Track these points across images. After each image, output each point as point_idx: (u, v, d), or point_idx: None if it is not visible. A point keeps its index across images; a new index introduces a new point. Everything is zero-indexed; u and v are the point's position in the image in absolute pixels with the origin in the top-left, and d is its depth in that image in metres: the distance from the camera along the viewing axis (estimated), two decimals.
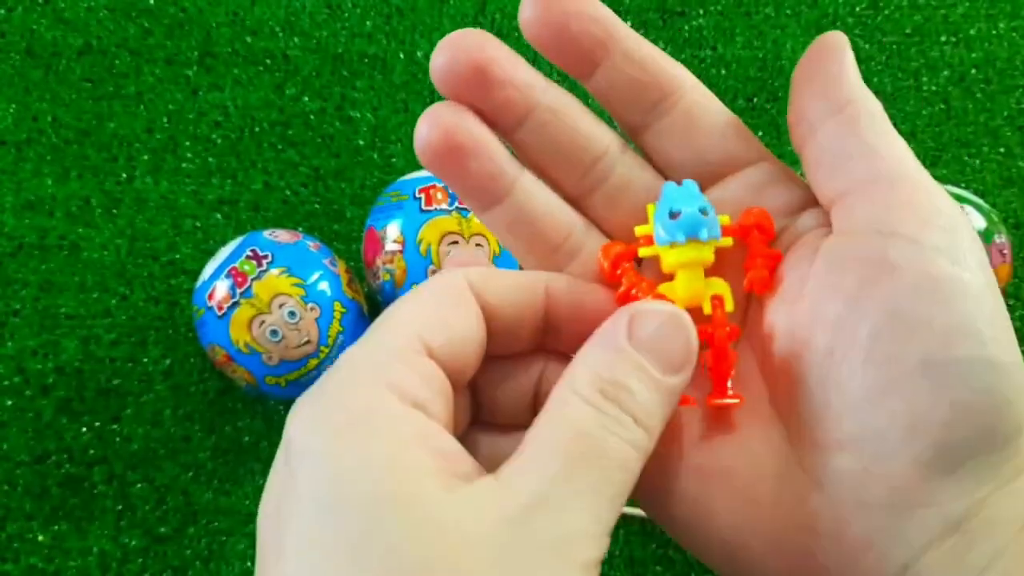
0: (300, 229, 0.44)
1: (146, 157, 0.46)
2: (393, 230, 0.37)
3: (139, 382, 0.41)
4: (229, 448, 0.40)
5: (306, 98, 0.47)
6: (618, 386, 0.16)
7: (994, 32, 0.49)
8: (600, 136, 0.21)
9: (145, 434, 0.40)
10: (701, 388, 0.18)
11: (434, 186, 0.37)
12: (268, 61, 0.48)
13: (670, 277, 0.18)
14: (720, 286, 0.18)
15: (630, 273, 0.18)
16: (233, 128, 0.46)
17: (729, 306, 0.18)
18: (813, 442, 0.16)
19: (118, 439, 0.40)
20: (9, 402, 0.41)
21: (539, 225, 0.19)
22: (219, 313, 0.35)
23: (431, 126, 0.19)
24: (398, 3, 0.49)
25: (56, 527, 0.39)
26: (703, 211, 0.18)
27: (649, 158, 0.20)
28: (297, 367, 0.36)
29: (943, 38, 0.49)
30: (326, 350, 0.36)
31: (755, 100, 0.47)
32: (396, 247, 0.36)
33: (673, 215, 0.18)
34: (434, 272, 0.36)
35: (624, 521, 0.39)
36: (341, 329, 0.36)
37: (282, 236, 0.37)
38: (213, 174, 0.45)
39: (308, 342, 0.35)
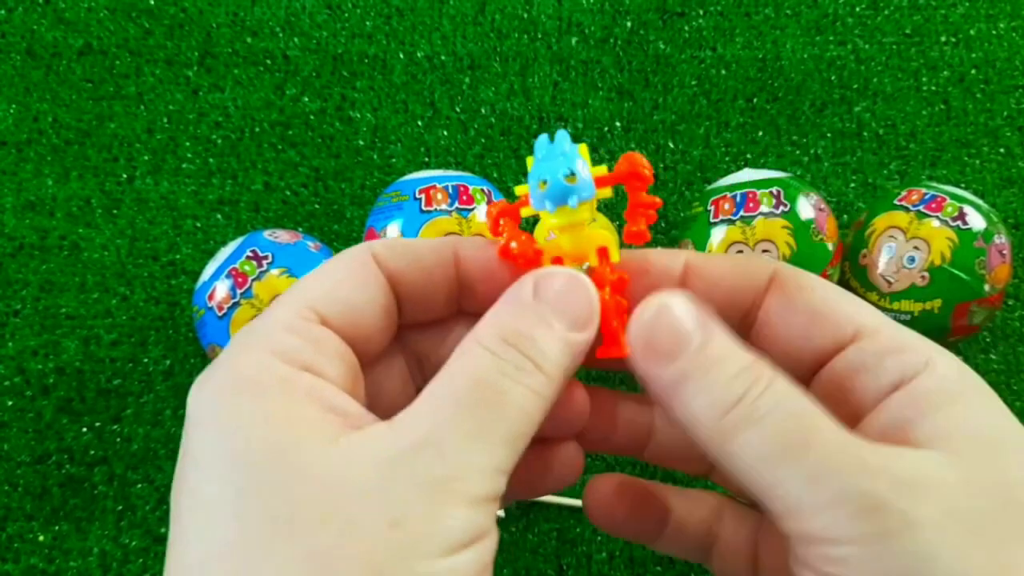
0: (300, 229, 0.44)
1: (146, 157, 0.46)
2: (393, 230, 0.37)
3: (140, 382, 0.41)
4: None
5: (306, 98, 0.47)
6: (520, 335, 0.16)
7: (994, 32, 0.49)
8: None
9: (146, 434, 0.40)
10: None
11: (434, 186, 0.37)
12: (268, 61, 0.48)
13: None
14: (604, 238, 0.18)
15: (509, 227, 0.18)
16: (233, 128, 0.46)
17: (615, 257, 0.18)
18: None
19: (119, 439, 0.40)
20: (10, 402, 0.41)
21: None
22: (219, 314, 0.35)
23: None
24: (398, 3, 0.49)
25: (57, 527, 0.39)
26: (572, 174, 0.17)
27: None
28: None
29: (943, 38, 0.49)
30: None
31: (755, 100, 0.47)
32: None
33: (541, 185, 0.18)
34: None
35: None
36: None
37: (282, 236, 0.37)
38: (213, 174, 0.45)
39: None
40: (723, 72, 0.48)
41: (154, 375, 0.41)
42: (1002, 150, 0.46)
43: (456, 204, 0.37)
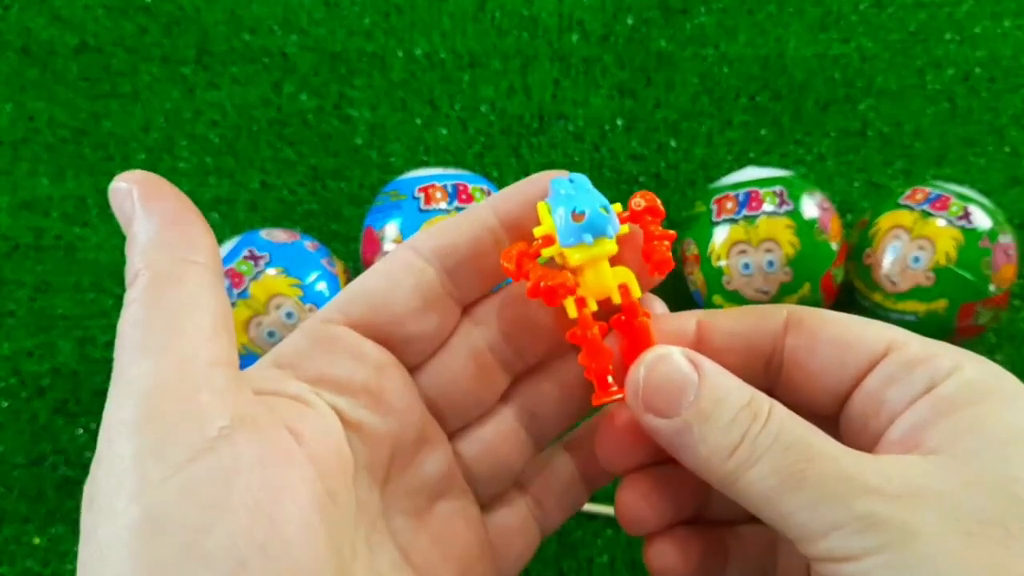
0: (298, 229, 0.44)
1: (143, 156, 0.45)
2: (392, 230, 0.36)
3: None
4: None
5: (304, 96, 0.47)
6: None
7: (999, 30, 0.49)
8: None
9: None
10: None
11: (433, 185, 0.37)
12: (265, 59, 0.47)
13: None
14: (625, 274, 0.19)
15: (536, 268, 0.18)
16: (230, 127, 0.46)
17: (636, 293, 0.19)
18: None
19: None
20: (4, 404, 0.41)
21: None
22: None
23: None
24: (397, 0, 0.49)
25: (52, 530, 0.39)
26: (604, 208, 0.18)
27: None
28: None
29: (948, 36, 0.49)
30: None
31: (758, 98, 0.47)
32: (395, 247, 0.36)
33: (577, 216, 0.18)
34: None
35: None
36: None
37: (279, 236, 0.37)
38: (210, 173, 0.45)
39: None
40: (726, 70, 0.48)
41: None
42: (1008, 149, 0.46)
43: (455, 203, 0.36)
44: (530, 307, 0.20)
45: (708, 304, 0.38)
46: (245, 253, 0.35)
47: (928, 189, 0.38)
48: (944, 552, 0.14)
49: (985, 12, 0.49)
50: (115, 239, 0.44)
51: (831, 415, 0.18)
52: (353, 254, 0.43)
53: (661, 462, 0.20)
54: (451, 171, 0.38)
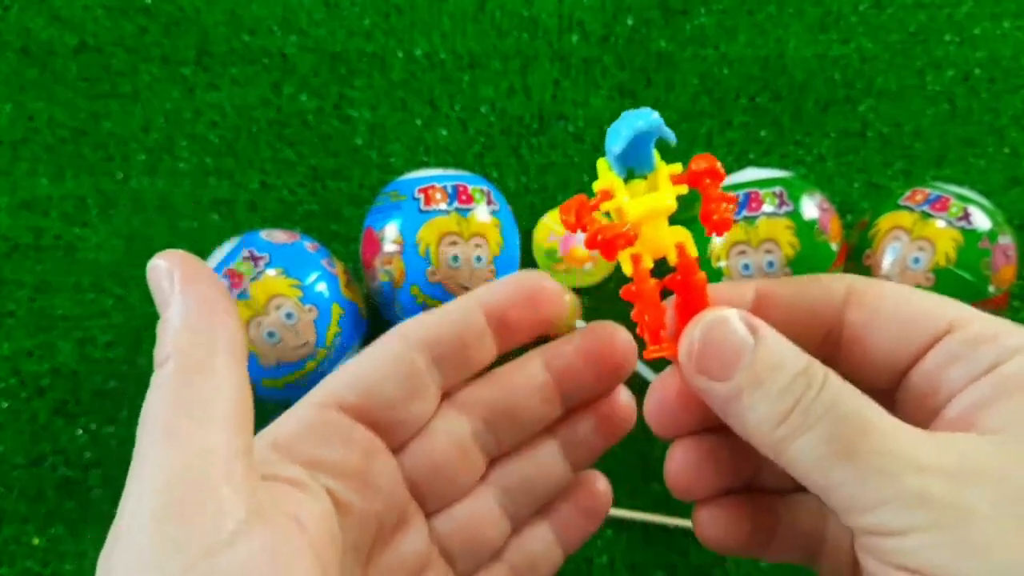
0: (297, 229, 0.44)
1: (142, 156, 0.45)
2: (392, 230, 0.36)
3: (135, 384, 0.41)
4: None
5: (304, 97, 0.47)
6: None
7: (999, 31, 0.49)
8: None
9: None
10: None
11: (433, 186, 0.37)
12: (265, 60, 0.47)
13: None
14: (682, 233, 0.19)
15: (594, 220, 0.18)
16: (230, 127, 0.46)
17: (693, 252, 0.18)
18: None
19: (114, 441, 0.40)
20: (4, 404, 0.41)
21: None
22: None
23: None
24: (397, 1, 0.49)
25: (52, 530, 0.39)
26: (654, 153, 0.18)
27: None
28: (294, 369, 0.35)
29: (948, 37, 0.49)
30: (324, 352, 0.36)
31: (758, 99, 0.47)
32: (395, 248, 0.36)
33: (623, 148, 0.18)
34: (432, 273, 0.36)
35: (625, 526, 0.38)
36: (339, 330, 0.36)
37: (279, 236, 0.37)
38: (210, 174, 0.45)
39: (305, 344, 0.35)
40: (726, 70, 0.48)
41: (150, 377, 0.41)
42: (1007, 149, 0.46)
43: (455, 203, 0.36)
44: (511, 396, 0.21)
45: None
46: (245, 253, 0.35)
47: (928, 190, 0.38)
48: (996, 535, 0.14)
49: (985, 13, 0.49)
50: (115, 239, 0.44)
51: (889, 389, 0.18)
52: (353, 255, 0.43)
53: (713, 428, 0.19)
54: (451, 172, 0.38)
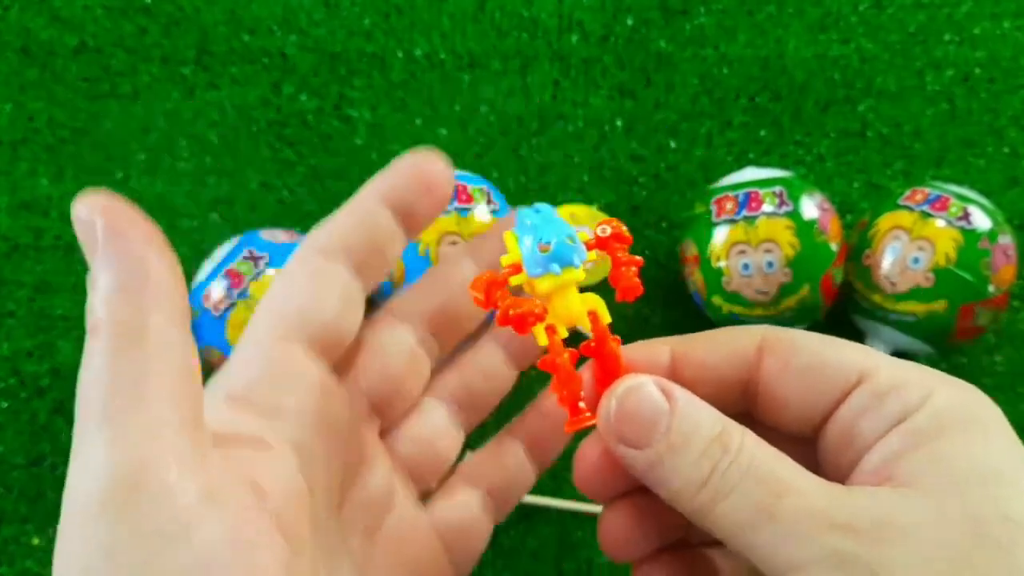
0: (297, 229, 0.44)
1: (142, 156, 0.45)
2: None
3: None
4: None
5: (303, 97, 0.47)
6: None
7: (999, 31, 0.49)
8: None
9: None
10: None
11: None
12: (265, 59, 0.47)
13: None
14: (595, 301, 0.19)
15: (504, 296, 0.18)
16: (230, 127, 0.46)
17: (606, 319, 0.19)
18: None
19: None
20: (4, 404, 0.41)
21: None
22: (215, 314, 0.35)
23: None
24: (397, 1, 0.49)
25: (51, 530, 0.39)
26: (570, 238, 0.18)
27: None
28: None
29: (947, 37, 0.49)
30: None
31: (758, 99, 0.47)
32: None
33: (543, 247, 0.18)
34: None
35: None
36: None
37: (279, 236, 0.37)
38: (209, 173, 0.45)
39: None
40: (725, 70, 0.48)
41: None
42: (1007, 149, 0.46)
43: (455, 203, 0.36)
44: (450, 298, 0.21)
45: (708, 305, 0.38)
46: (245, 253, 0.36)
47: (928, 190, 0.38)
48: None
49: (985, 13, 0.49)
50: None
51: (811, 439, 0.18)
52: None
53: (642, 488, 0.19)
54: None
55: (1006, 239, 0.37)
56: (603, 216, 0.44)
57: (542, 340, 0.18)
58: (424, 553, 0.21)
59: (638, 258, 0.19)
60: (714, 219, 0.37)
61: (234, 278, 0.35)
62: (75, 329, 0.42)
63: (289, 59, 0.47)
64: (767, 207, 0.36)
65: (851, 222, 0.44)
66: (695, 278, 0.38)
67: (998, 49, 0.48)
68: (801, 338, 0.18)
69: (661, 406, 0.17)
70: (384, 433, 0.21)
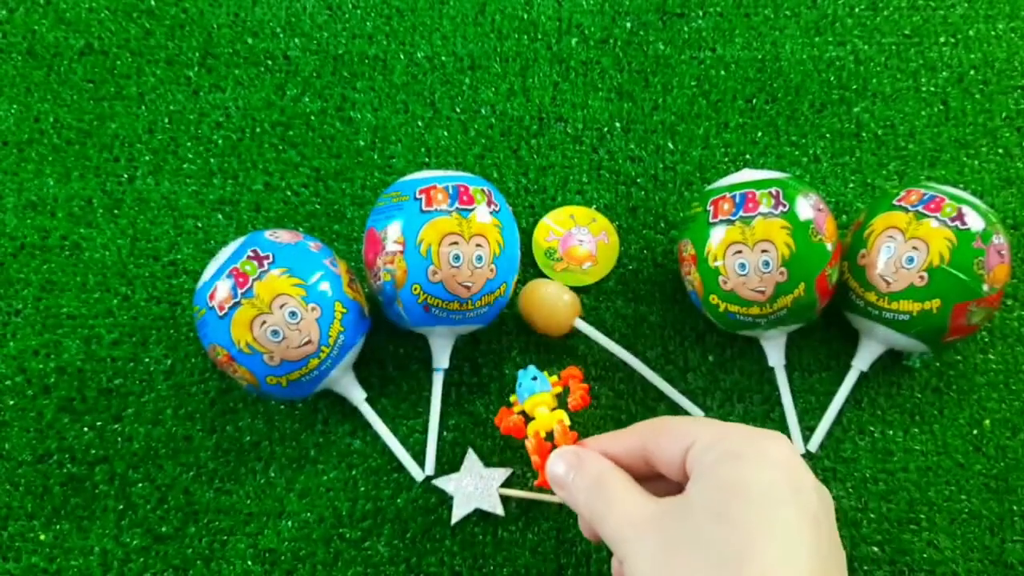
0: (301, 229, 0.44)
1: (147, 158, 0.46)
2: (394, 231, 0.37)
3: (140, 382, 0.41)
4: (230, 448, 0.40)
5: (307, 99, 0.47)
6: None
7: (993, 33, 0.49)
8: None
9: (146, 434, 0.41)
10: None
11: (434, 187, 0.37)
12: (269, 62, 0.48)
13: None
14: (560, 415, 0.33)
15: (508, 420, 0.35)
16: (234, 129, 0.46)
17: (567, 422, 0.33)
18: None
19: (119, 439, 0.40)
20: (11, 402, 0.41)
21: None
22: (220, 313, 0.35)
23: None
24: (398, 4, 0.49)
25: (58, 526, 0.39)
26: (534, 378, 0.35)
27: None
28: (298, 367, 0.36)
29: (942, 39, 0.49)
30: (327, 350, 0.36)
31: (754, 101, 0.48)
32: (397, 247, 0.36)
33: (521, 387, 0.35)
34: (434, 273, 0.36)
35: None
36: (342, 329, 0.36)
37: (283, 236, 0.37)
38: (214, 175, 0.45)
39: (309, 342, 0.35)
40: (722, 73, 0.48)
41: (155, 375, 0.41)
42: (1000, 150, 0.47)
43: (456, 204, 0.37)
44: None
45: (705, 303, 0.39)
46: (249, 253, 0.36)
47: (922, 190, 0.39)
48: (649, 559, 0.24)
49: (979, 15, 0.50)
50: (120, 239, 0.44)
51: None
52: (356, 255, 0.44)
53: None
54: (452, 173, 0.39)
55: (1000, 239, 0.37)
56: (601, 217, 0.45)
57: (533, 437, 0.33)
58: None
59: (586, 385, 0.35)
60: (711, 219, 0.38)
61: (239, 277, 0.35)
62: (81, 328, 0.42)
63: (293, 62, 0.48)
64: (763, 208, 0.37)
65: (846, 222, 0.45)
66: (692, 277, 0.39)
67: (992, 51, 0.49)
68: (665, 424, 0.28)
69: (561, 473, 0.30)
70: None
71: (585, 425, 0.41)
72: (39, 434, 0.41)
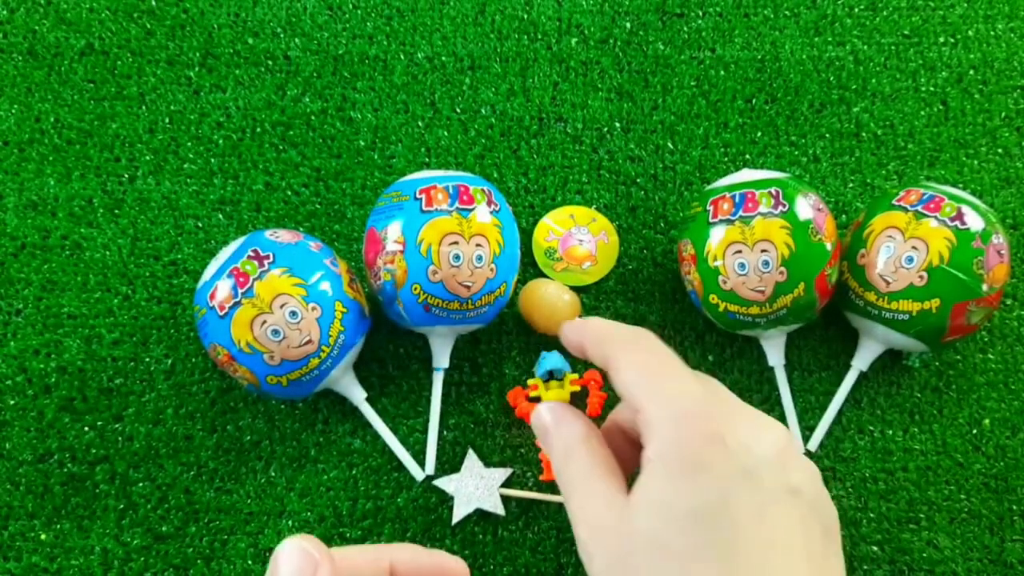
0: (301, 229, 0.44)
1: (148, 158, 0.46)
2: (394, 230, 0.37)
3: (141, 381, 0.41)
4: (231, 447, 0.40)
5: (307, 99, 0.47)
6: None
7: (992, 33, 0.49)
8: None
9: (147, 433, 0.41)
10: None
11: (434, 187, 0.37)
12: (269, 62, 0.48)
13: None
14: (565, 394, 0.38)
15: (523, 403, 0.38)
16: (235, 129, 0.47)
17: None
18: None
19: (120, 438, 0.41)
20: (11, 401, 0.41)
21: None
22: (221, 313, 0.35)
23: None
24: (399, 4, 0.50)
25: (58, 526, 0.39)
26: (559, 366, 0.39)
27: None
28: (298, 366, 0.36)
29: (941, 39, 0.49)
30: (327, 350, 0.36)
31: (754, 101, 0.48)
32: (397, 247, 0.37)
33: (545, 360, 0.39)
34: (434, 273, 0.36)
35: None
36: (342, 329, 0.36)
37: (283, 236, 0.38)
38: (215, 174, 0.46)
39: (309, 342, 0.36)
40: (722, 73, 0.48)
41: (156, 374, 0.42)
42: (1000, 150, 0.47)
43: (456, 204, 0.37)
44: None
45: (705, 303, 0.39)
46: (250, 253, 0.36)
47: (921, 190, 0.39)
48: (603, 571, 0.25)
49: (978, 15, 0.50)
50: (121, 239, 0.44)
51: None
52: (356, 254, 0.44)
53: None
54: (452, 172, 0.39)
55: (999, 239, 0.37)
56: (601, 216, 0.45)
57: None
58: None
59: (603, 394, 0.38)
60: (711, 219, 0.38)
61: (240, 277, 0.35)
62: (81, 327, 0.42)
63: (293, 62, 0.48)
64: (763, 207, 0.37)
65: (846, 222, 0.45)
66: (692, 277, 0.39)
67: (991, 51, 0.49)
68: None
69: (546, 422, 0.27)
70: None
71: None
72: (40, 434, 0.41)
